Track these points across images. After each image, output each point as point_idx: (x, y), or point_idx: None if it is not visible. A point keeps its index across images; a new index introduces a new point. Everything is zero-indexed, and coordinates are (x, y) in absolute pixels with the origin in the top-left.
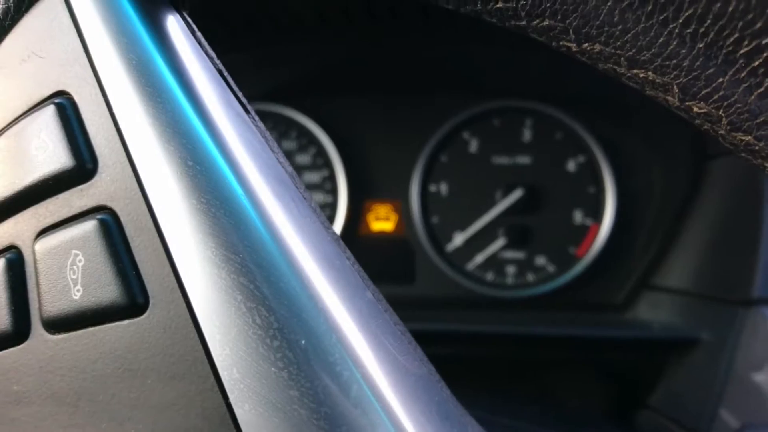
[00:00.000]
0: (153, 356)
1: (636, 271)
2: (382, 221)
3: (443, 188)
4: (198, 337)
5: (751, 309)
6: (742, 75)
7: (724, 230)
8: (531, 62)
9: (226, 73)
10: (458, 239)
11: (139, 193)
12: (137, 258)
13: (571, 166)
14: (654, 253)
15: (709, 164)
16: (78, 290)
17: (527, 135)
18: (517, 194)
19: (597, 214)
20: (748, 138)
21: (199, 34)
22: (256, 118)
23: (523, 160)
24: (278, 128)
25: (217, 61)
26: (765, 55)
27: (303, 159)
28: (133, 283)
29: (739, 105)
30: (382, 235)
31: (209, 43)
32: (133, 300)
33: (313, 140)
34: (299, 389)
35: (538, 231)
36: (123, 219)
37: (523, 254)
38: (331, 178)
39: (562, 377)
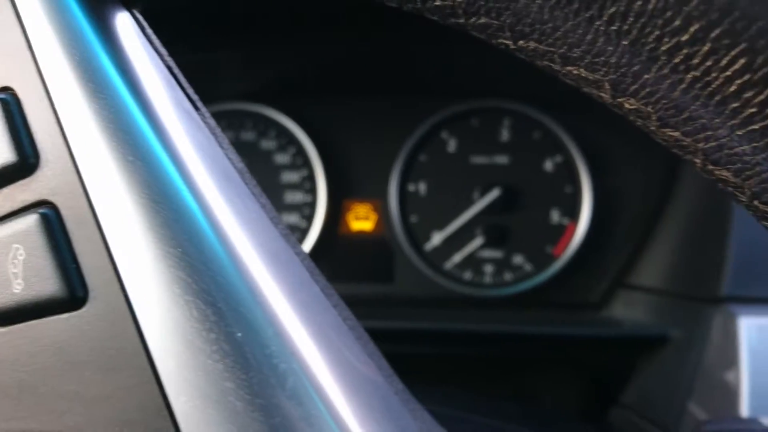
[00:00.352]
0: (92, 349)
1: (612, 269)
2: (361, 221)
3: (422, 188)
4: (136, 330)
5: (720, 307)
6: (665, 71)
7: (696, 228)
8: (508, 62)
9: (176, 71)
10: (436, 238)
11: (81, 188)
12: (77, 252)
13: (548, 165)
14: (630, 251)
15: (685, 162)
16: (19, 284)
17: (505, 135)
18: (494, 194)
19: (574, 214)
20: (676, 134)
21: (149, 30)
22: (207, 114)
23: (501, 159)
24: (258, 128)
25: (168, 59)
26: (685, 51)
27: (282, 158)
28: (73, 277)
29: (664, 101)
30: (361, 235)
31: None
32: (72, 293)
33: (293, 140)
34: (234, 381)
35: (515, 230)
36: (64, 213)
37: (500, 253)
38: (311, 178)
39: (539, 376)
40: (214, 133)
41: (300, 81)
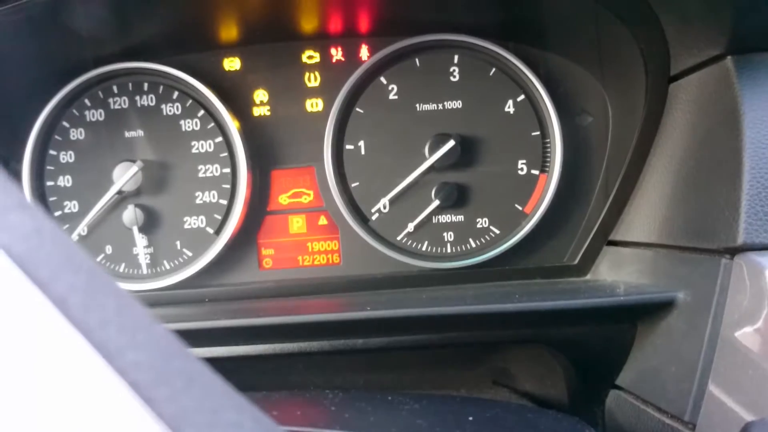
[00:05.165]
0: None
1: (593, 225)
2: (294, 193)
3: (361, 145)
4: None
5: (738, 258)
6: None
7: (695, 166)
8: None
9: None
10: (384, 205)
11: None
12: None
13: (509, 107)
14: (613, 202)
15: (672, 87)
16: None
17: (455, 74)
18: (448, 146)
19: (544, 162)
20: None
21: None
22: None
23: (453, 104)
24: (154, 89)
25: None
26: None
27: (189, 124)
28: None
29: None
30: (296, 209)
31: None
32: None
33: (200, 101)
34: None
35: (476, 188)
36: None
37: (461, 217)
38: (227, 145)
39: (519, 358)
40: None
41: (198, 33)
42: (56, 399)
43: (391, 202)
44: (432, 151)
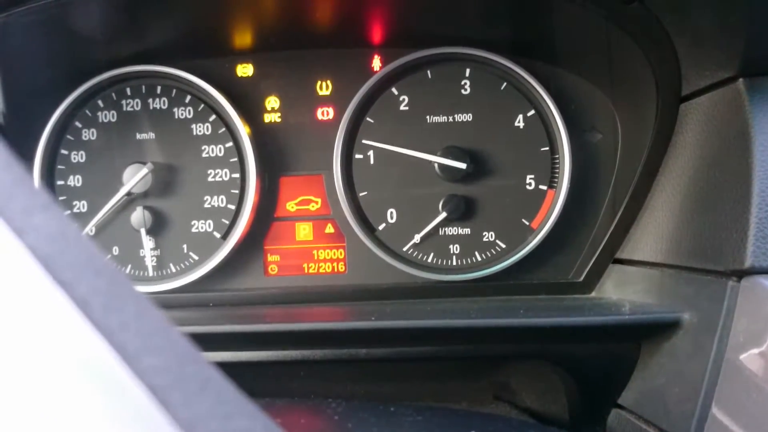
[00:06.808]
0: None
1: (600, 242)
2: (302, 200)
3: (371, 155)
4: None
5: (744, 281)
6: None
7: (704, 187)
8: (467, 3)
9: None
10: (391, 216)
11: None
12: None
13: (519, 122)
14: (620, 220)
15: (682, 108)
16: None
17: (467, 87)
18: (457, 158)
19: (552, 178)
20: None
21: None
22: None
23: (464, 117)
24: (167, 93)
25: None
26: None
27: (201, 128)
28: None
29: None
30: (304, 217)
31: None
32: None
33: (211, 105)
34: None
35: (484, 201)
36: None
37: (468, 230)
38: (237, 150)
39: (521, 373)
40: None
41: (212, 37)
42: (74, 396)
43: (399, 213)
44: (441, 164)
